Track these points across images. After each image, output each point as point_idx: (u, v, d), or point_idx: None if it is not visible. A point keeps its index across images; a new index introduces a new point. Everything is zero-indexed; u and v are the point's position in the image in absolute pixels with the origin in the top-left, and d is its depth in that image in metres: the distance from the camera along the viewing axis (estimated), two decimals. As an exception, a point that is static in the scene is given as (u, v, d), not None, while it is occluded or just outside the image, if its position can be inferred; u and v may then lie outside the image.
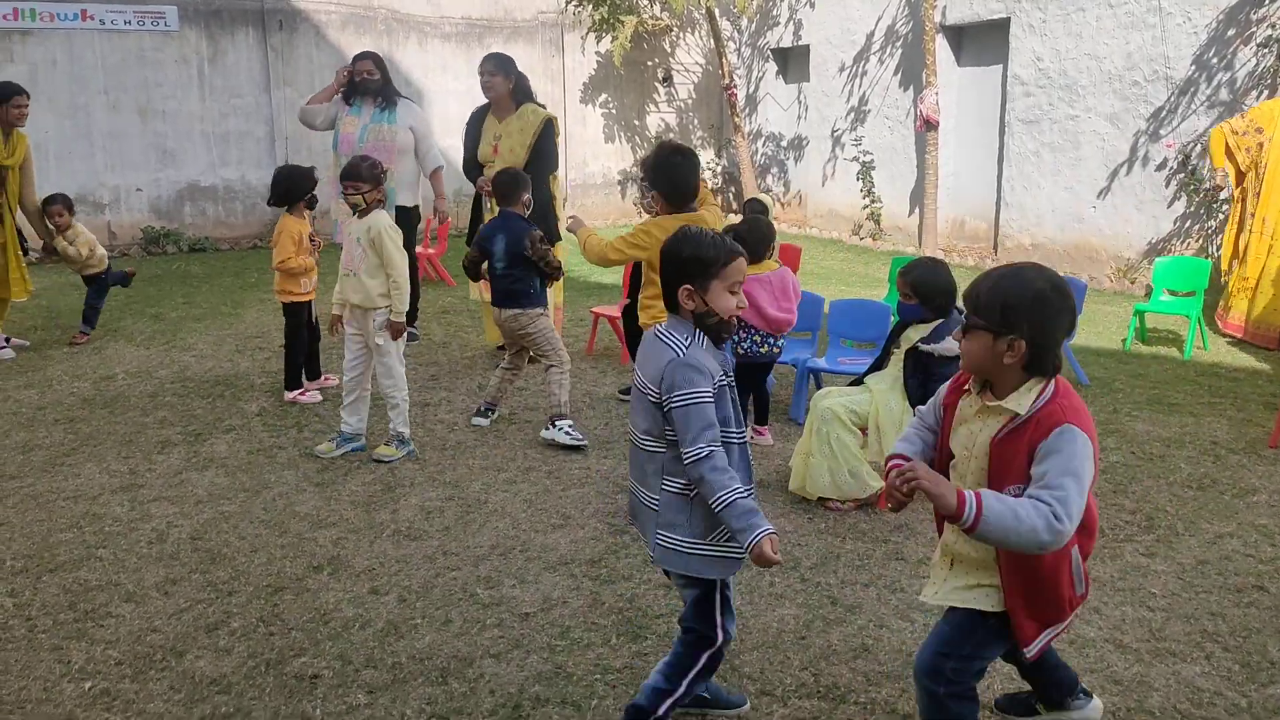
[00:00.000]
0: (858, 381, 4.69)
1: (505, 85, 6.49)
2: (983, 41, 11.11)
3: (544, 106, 6.73)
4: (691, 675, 2.70)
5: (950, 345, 4.21)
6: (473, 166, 6.73)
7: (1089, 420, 2.30)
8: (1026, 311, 2.25)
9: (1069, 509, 2.17)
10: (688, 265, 2.61)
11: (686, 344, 2.60)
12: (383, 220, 4.95)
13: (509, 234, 5.23)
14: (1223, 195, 7.18)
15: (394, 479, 4.81)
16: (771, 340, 5.08)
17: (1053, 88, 10.07)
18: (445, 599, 3.63)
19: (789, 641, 3.34)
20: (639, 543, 4.09)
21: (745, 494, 2.51)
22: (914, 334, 4.39)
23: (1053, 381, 2.33)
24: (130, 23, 11.56)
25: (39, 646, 3.30)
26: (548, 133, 6.51)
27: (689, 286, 2.60)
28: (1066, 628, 2.53)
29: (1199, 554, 3.99)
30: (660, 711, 2.69)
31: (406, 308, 5.02)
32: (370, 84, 6.93)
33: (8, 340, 7.19)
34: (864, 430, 4.47)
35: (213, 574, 3.83)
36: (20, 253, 7.11)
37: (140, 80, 11.68)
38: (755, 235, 5.04)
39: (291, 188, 5.71)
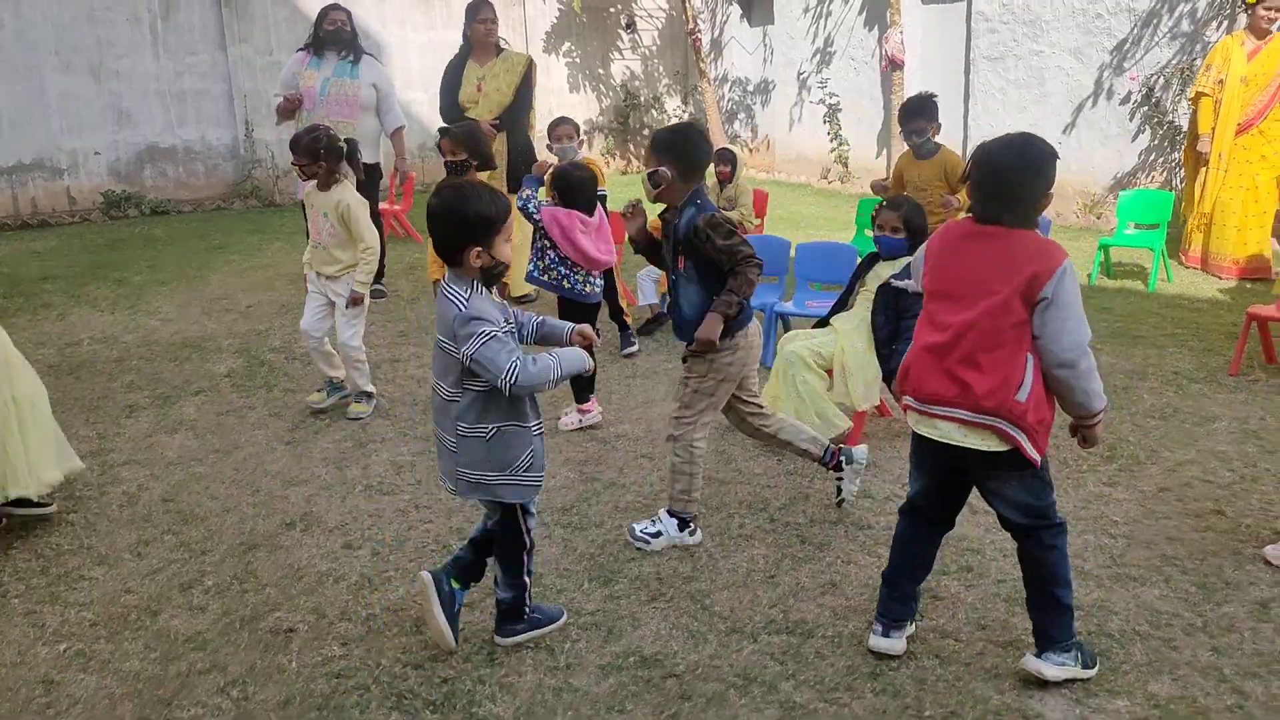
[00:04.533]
0: (822, 323, 4.72)
1: (497, 32, 6.89)
2: (947, -22, 11.02)
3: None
4: (526, 569, 3.02)
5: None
6: (453, 109, 6.88)
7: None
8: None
9: None
10: (476, 226, 2.74)
11: (467, 297, 2.76)
12: (350, 195, 4.92)
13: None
14: (1201, 149, 7.22)
15: (365, 435, 4.81)
16: (592, 280, 4.96)
17: (1016, 23, 10.02)
18: (418, 552, 3.66)
19: (758, 580, 3.39)
20: (610, 490, 4.14)
21: (553, 362, 2.82)
22: (884, 270, 4.41)
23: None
24: (78, -19, 11.25)
25: (11, 612, 3.30)
26: (530, 75, 6.87)
27: (479, 247, 2.74)
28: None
29: (1160, 481, 4.07)
30: (528, 604, 3.06)
31: (371, 279, 5.02)
32: (341, 34, 6.85)
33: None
34: (830, 371, 4.50)
35: (185, 534, 3.83)
36: None
37: (93, 40, 11.40)
38: (577, 190, 5.00)
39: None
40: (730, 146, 8.22)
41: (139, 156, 11.84)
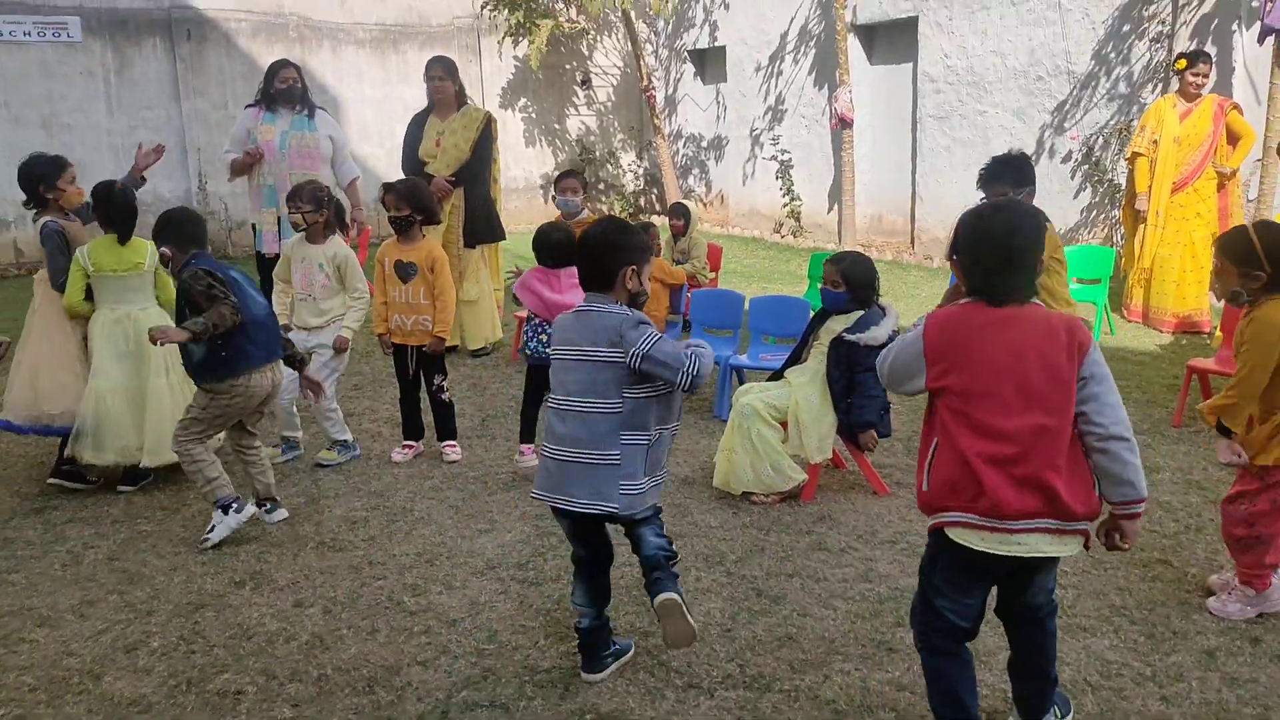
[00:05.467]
0: (776, 375, 4.77)
1: (453, 88, 6.91)
2: (893, 40, 11.34)
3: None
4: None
5: (876, 334, 4.31)
6: (414, 162, 6.97)
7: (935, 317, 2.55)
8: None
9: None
10: (633, 251, 2.96)
11: (627, 309, 2.94)
12: (344, 247, 5.07)
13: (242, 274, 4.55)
14: (1139, 208, 7.46)
15: (317, 490, 4.76)
16: None
17: (961, 84, 10.33)
18: (371, 609, 3.61)
19: (715, 634, 3.39)
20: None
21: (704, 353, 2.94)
22: (836, 324, 4.48)
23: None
24: (30, 34, 11.20)
25: (-53, 677, 3.20)
26: (489, 130, 6.94)
27: (634, 267, 2.94)
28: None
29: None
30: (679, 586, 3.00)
31: (357, 326, 5.10)
32: (293, 91, 6.88)
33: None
34: (785, 424, 4.54)
35: (131, 594, 3.75)
36: None
37: (44, 93, 11.33)
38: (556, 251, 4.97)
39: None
40: (684, 201, 8.34)
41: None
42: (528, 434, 4.94)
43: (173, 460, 4.45)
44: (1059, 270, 4.63)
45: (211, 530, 4.14)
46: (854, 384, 4.39)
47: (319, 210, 4.99)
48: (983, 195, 4.46)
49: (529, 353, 4.89)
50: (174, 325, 4.13)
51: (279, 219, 6.95)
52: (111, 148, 11.71)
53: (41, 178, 4.88)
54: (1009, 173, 4.49)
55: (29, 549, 4.15)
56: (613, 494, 2.89)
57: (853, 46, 11.35)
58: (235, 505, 4.18)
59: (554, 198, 6.49)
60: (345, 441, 5.18)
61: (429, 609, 3.60)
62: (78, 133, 11.55)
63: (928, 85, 10.67)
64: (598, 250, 2.99)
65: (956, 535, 2.47)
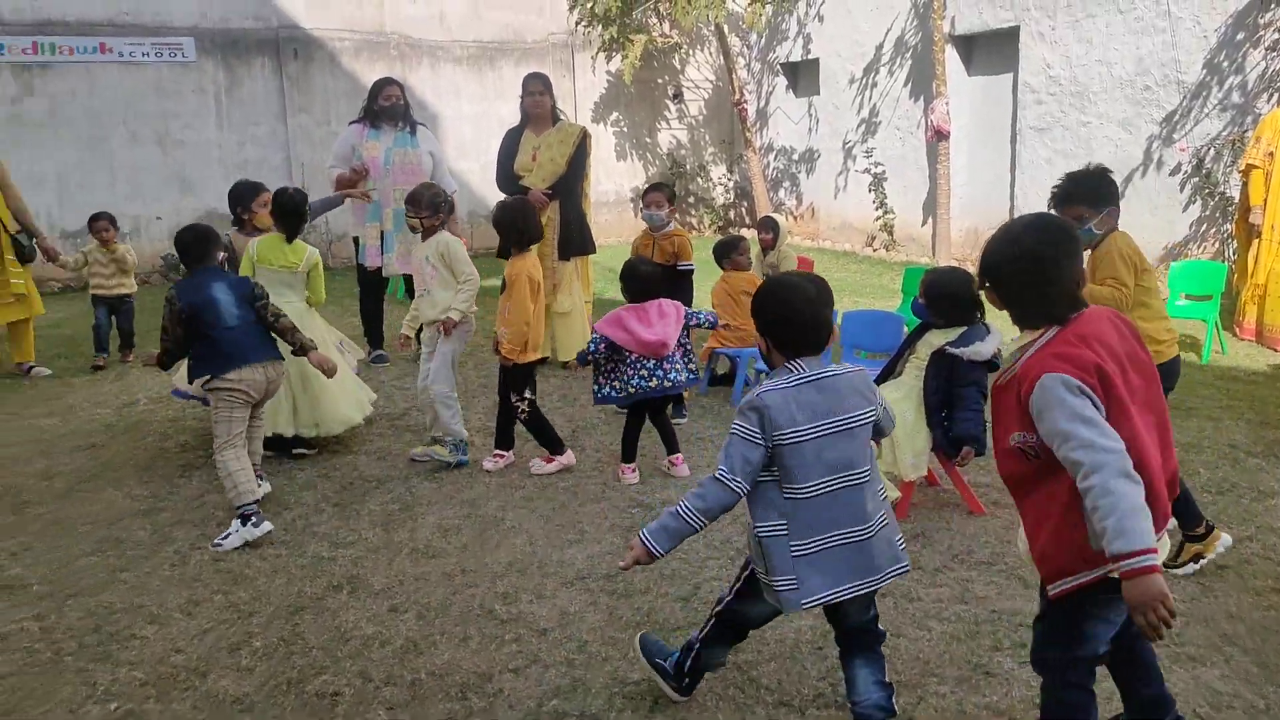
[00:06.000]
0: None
1: (549, 103, 7.02)
2: (992, 50, 11.13)
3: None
4: None
5: (980, 350, 4.21)
6: (509, 178, 7.05)
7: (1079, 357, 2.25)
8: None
9: (1090, 446, 2.14)
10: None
11: (857, 366, 2.79)
12: (446, 236, 5.18)
13: (230, 283, 4.69)
14: (1253, 221, 7.17)
15: (411, 498, 4.85)
16: (661, 373, 4.93)
17: (1064, 94, 10.07)
18: (463, 616, 3.66)
19: (806, 653, 3.34)
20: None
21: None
22: (937, 339, 4.39)
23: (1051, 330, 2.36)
24: (148, 55, 11.74)
25: (64, 669, 3.34)
26: (585, 145, 7.00)
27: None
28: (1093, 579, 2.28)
29: (1217, 558, 3.96)
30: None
31: (465, 308, 5.14)
32: (396, 109, 7.07)
33: (29, 370, 7.30)
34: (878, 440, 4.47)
35: (234, 595, 3.87)
36: (19, 266, 7.11)
37: (159, 111, 11.85)
38: (646, 284, 5.09)
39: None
40: (773, 214, 8.30)
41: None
42: (629, 454, 5.03)
43: (336, 431, 5.37)
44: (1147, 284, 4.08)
45: (226, 537, 4.32)
46: (954, 399, 4.30)
47: (435, 215, 5.15)
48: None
49: (634, 389, 4.91)
50: (319, 321, 5.46)
51: (381, 233, 7.14)
52: (220, 163, 12.18)
53: (239, 199, 5.67)
54: (1082, 191, 3.94)
55: (138, 549, 4.32)
56: (900, 552, 2.75)
57: (950, 57, 11.16)
58: (255, 519, 4.35)
59: (641, 212, 6.52)
60: (461, 442, 5.24)
61: (520, 618, 3.63)
62: (189, 149, 12.05)
63: (1029, 96, 10.42)
64: (822, 312, 2.69)
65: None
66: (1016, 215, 10.58)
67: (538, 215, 5.27)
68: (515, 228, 5.10)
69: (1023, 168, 10.62)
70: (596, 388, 5.02)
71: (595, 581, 3.90)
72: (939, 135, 11.06)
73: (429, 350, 5.24)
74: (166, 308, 4.54)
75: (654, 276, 5.14)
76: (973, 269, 5.28)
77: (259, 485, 4.57)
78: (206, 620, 3.67)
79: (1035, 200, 10.51)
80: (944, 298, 4.36)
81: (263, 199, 5.60)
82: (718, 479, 2.59)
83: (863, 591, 2.68)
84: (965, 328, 4.33)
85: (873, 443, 4.36)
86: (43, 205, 10.87)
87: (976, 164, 11.43)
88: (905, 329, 5.83)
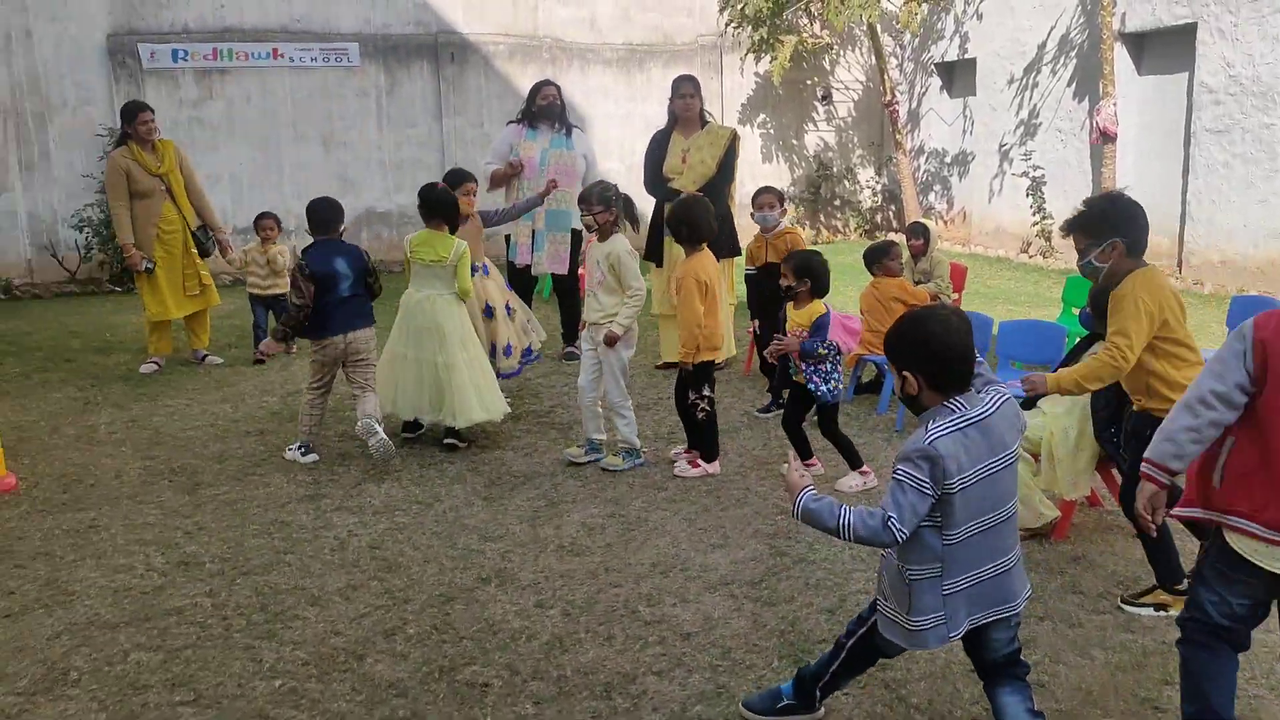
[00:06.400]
0: (1028, 405, 4.50)
1: (699, 105, 7.05)
2: (1166, 48, 10.54)
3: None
4: None
5: None
6: (657, 180, 7.11)
7: None
8: None
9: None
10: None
11: (1004, 390, 2.67)
12: (621, 245, 5.21)
13: (348, 255, 5.47)
14: None
15: (557, 495, 4.92)
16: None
17: (1245, 95, 9.45)
18: (608, 615, 3.69)
19: (958, 673, 3.23)
20: (800, 565, 4.05)
21: None
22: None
23: None
24: (316, 60, 12.31)
25: (233, 645, 3.53)
26: (734, 147, 6.99)
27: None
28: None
29: None
30: None
31: (628, 322, 5.19)
32: (553, 109, 7.22)
33: (204, 358, 7.75)
34: (1036, 456, 4.29)
35: (389, 581, 4.01)
36: (200, 260, 7.54)
37: (324, 113, 12.42)
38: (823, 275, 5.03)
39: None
40: (923, 220, 8.08)
41: (358, 219, 12.72)
42: (806, 450, 5.05)
43: (473, 421, 5.48)
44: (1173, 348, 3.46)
45: (289, 451, 5.52)
46: (1118, 416, 4.07)
47: (608, 209, 5.20)
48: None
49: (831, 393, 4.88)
50: (465, 315, 5.61)
51: (533, 232, 7.28)
52: (380, 162, 12.67)
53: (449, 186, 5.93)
54: (1082, 218, 3.52)
55: (302, 532, 4.52)
56: (1026, 583, 2.71)
57: (1119, 56, 10.64)
58: (303, 450, 5.46)
59: (753, 214, 6.44)
60: (633, 447, 5.30)
61: (663, 620, 3.63)
62: (351, 149, 12.58)
63: (1205, 96, 9.83)
64: (972, 345, 2.57)
65: (1235, 542, 2.48)
66: (1189, 222, 10.00)
67: (711, 214, 5.26)
68: (686, 224, 5.11)
69: (1196, 172, 10.02)
70: (828, 388, 4.88)
71: (739, 587, 3.87)
72: (1105, 137, 10.55)
73: (589, 349, 5.30)
74: (298, 274, 5.24)
75: (825, 268, 5.09)
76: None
77: (308, 456, 5.48)
78: (363, 605, 3.81)
79: (1210, 207, 9.91)
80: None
81: (465, 188, 6.06)
82: (888, 526, 2.48)
83: (999, 616, 2.62)
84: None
85: (1030, 458, 4.24)
86: (218, 203, 11.49)
87: (1145, 168, 10.85)
88: (1066, 340, 5.59)
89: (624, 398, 5.25)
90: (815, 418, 5.06)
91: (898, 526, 2.47)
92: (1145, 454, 2.61)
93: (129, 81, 11.60)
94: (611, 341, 5.14)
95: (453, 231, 5.53)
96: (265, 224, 7.88)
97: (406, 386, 5.52)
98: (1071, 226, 3.58)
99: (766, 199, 6.38)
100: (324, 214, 5.53)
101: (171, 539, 4.47)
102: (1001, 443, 2.55)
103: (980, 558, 2.58)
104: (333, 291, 5.33)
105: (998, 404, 2.57)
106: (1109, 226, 3.44)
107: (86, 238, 11.15)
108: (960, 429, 2.49)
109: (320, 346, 5.41)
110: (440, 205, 5.52)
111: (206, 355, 7.80)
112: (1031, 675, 3.17)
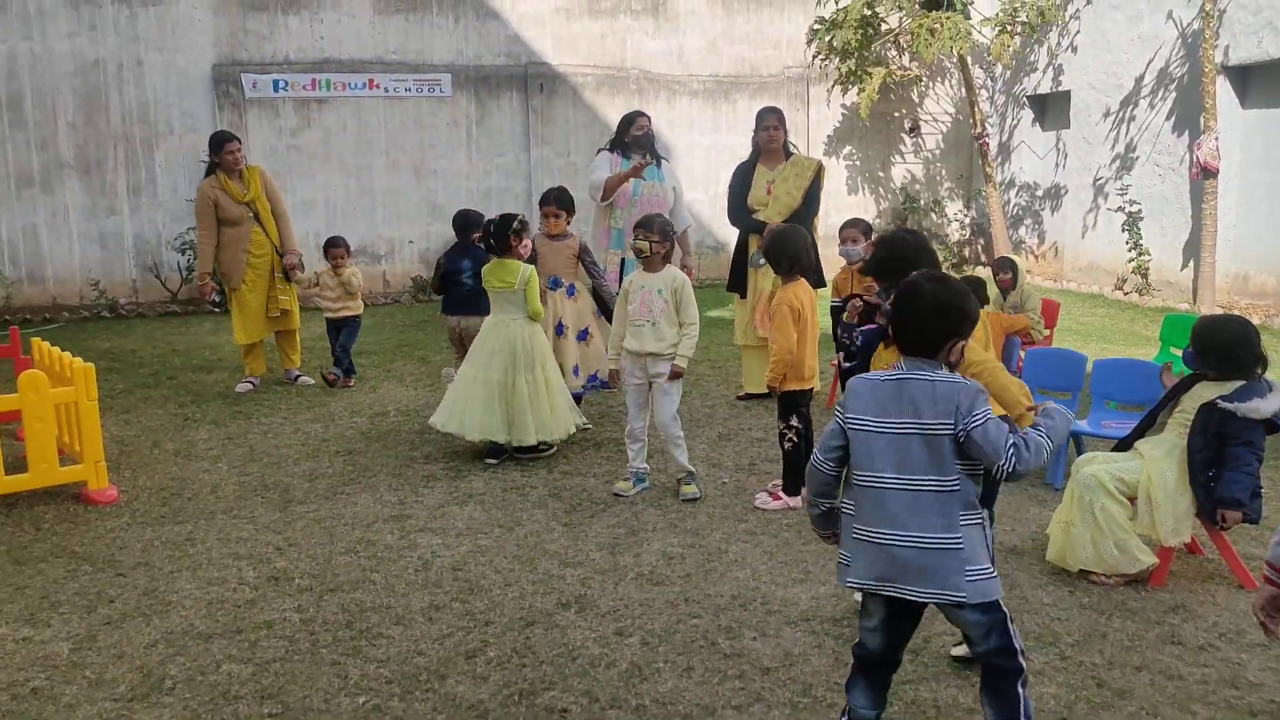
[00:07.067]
0: (1123, 445, 4.37)
1: (783, 137, 7.08)
2: (1274, 81, 10.21)
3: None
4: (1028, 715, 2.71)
5: (1260, 406, 3.85)
6: (741, 211, 7.16)
7: None
8: None
9: None
10: (963, 322, 2.74)
11: (964, 378, 2.71)
12: (681, 274, 5.35)
13: (474, 258, 6.56)
14: None
15: (637, 523, 4.92)
16: None
17: (1356, 130, 9.09)
18: (687, 646, 3.67)
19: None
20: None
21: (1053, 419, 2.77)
22: (1206, 391, 4.05)
23: None
24: (410, 90, 12.63)
25: (320, 660, 3.60)
26: (819, 179, 7.02)
27: (961, 341, 2.74)
28: None
29: None
30: None
31: (691, 354, 5.28)
32: (647, 139, 7.29)
33: (296, 378, 7.96)
34: (1132, 500, 4.16)
35: (471, 603, 4.05)
36: (285, 282, 7.73)
37: (416, 141, 12.72)
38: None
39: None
40: (1009, 255, 7.92)
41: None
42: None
43: (532, 442, 5.75)
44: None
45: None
46: (1224, 458, 3.93)
47: (665, 241, 5.27)
48: None
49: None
50: (541, 336, 5.94)
51: (623, 261, 7.33)
52: (468, 190, 12.91)
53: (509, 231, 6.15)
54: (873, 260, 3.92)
55: (388, 552, 4.60)
56: (960, 582, 2.63)
57: (1222, 89, 10.33)
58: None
59: (839, 247, 6.45)
60: (692, 473, 5.33)
61: (743, 654, 3.60)
62: (441, 177, 12.85)
63: (1313, 131, 9.48)
64: (930, 310, 2.72)
65: None
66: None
67: (808, 244, 5.25)
68: (786, 254, 5.09)
69: (1303, 209, 9.66)
70: None
71: (820, 624, 3.82)
72: (1206, 172, 10.24)
73: (636, 383, 5.32)
74: (437, 267, 6.89)
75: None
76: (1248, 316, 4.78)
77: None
78: (446, 625, 3.85)
79: (1318, 245, 9.53)
80: (1218, 348, 4.01)
81: (550, 210, 6.49)
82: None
83: (912, 598, 2.68)
84: (1243, 382, 3.96)
85: (1126, 501, 4.10)
86: (313, 228, 11.88)
87: (1249, 204, 10.49)
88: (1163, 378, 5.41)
89: (679, 427, 5.31)
90: None
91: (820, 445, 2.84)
92: (1269, 559, 2.40)
93: (232, 110, 12.05)
94: (678, 374, 5.21)
95: (501, 255, 5.83)
96: (336, 251, 7.86)
97: (475, 407, 5.74)
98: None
99: (850, 233, 6.34)
100: (459, 223, 6.93)
101: (263, 554, 4.59)
102: (911, 409, 2.66)
103: (875, 518, 2.71)
104: (457, 284, 6.62)
105: (957, 381, 2.67)
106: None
107: (189, 259, 11.58)
108: (881, 380, 2.75)
109: (449, 321, 6.77)
110: (490, 237, 5.92)
111: (299, 375, 8.01)
112: (1127, 727, 3.07)
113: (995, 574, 2.70)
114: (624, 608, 3.99)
